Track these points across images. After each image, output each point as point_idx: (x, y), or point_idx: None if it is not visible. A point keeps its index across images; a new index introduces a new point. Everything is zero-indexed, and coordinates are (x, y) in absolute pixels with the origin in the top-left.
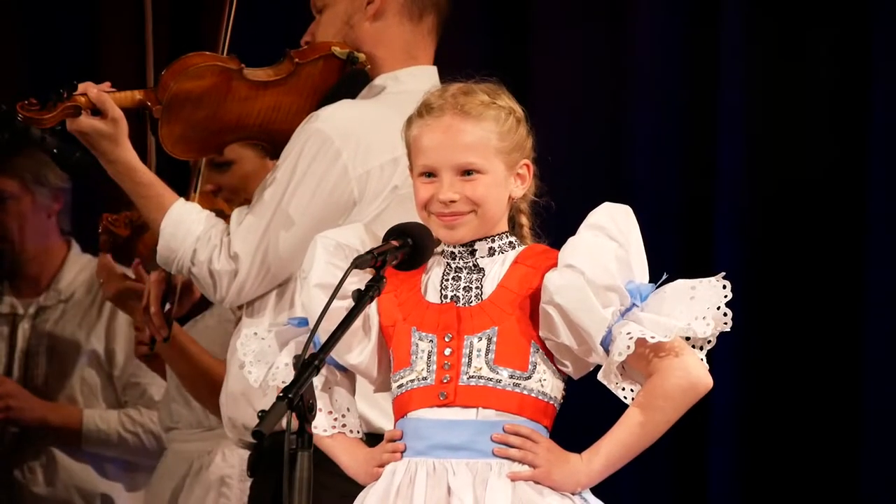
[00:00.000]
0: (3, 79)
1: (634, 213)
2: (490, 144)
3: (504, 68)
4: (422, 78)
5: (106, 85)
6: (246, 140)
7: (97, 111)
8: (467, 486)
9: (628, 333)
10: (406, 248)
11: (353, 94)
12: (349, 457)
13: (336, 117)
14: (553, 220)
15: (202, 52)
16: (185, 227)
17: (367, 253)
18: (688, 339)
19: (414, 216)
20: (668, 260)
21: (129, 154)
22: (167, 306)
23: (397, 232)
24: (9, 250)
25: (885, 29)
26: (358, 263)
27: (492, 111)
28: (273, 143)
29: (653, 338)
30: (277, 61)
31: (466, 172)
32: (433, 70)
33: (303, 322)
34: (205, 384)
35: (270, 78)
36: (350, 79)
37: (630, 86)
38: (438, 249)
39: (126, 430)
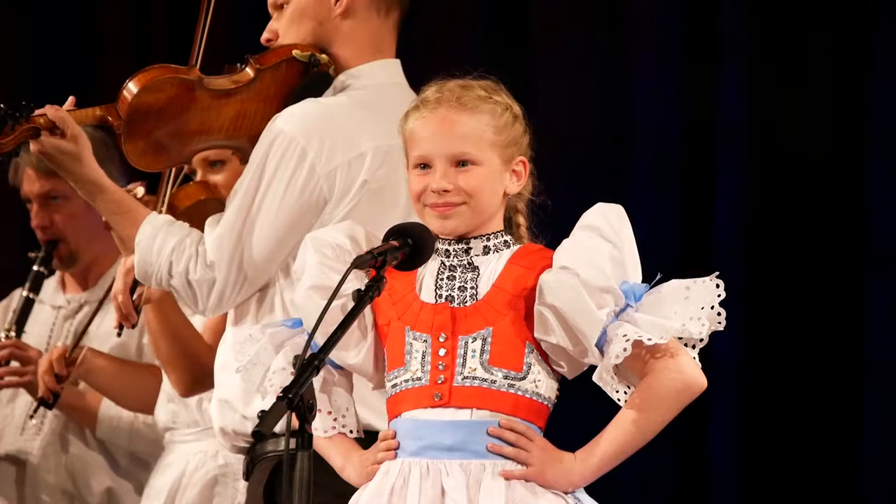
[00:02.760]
0: (4, 85)
1: (634, 213)
2: (485, 137)
3: (504, 67)
4: (384, 71)
5: (70, 102)
6: (214, 148)
7: (55, 130)
8: (461, 488)
9: (624, 335)
10: (406, 248)
11: (317, 96)
12: (343, 459)
13: (299, 117)
14: (552, 219)
15: (162, 64)
16: (159, 239)
17: (367, 253)
18: (680, 337)
19: (385, 210)
20: (668, 260)
21: (95, 172)
22: (137, 293)
23: (397, 232)
24: (64, 249)
25: (885, 28)
26: (358, 264)
27: (488, 105)
28: (242, 150)
29: (649, 339)
30: (238, 68)
31: (461, 163)
32: (396, 62)
33: (297, 323)
34: (174, 343)
35: (232, 86)
36: (313, 81)
37: (630, 86)
38: None
39: (142, 422)
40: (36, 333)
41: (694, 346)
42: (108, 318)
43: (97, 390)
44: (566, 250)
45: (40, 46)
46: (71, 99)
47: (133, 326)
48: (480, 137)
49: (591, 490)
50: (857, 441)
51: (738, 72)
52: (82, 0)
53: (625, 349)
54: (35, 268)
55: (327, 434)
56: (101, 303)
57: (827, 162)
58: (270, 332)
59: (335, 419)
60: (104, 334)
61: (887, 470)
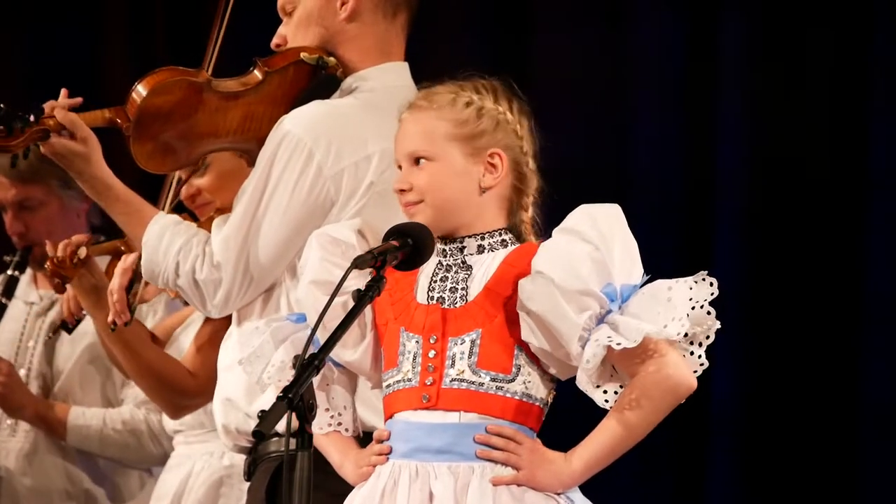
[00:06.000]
0: (5, 83)
1: (636, 210)
2: (439, 131)
3: (504, 67)
4: (391, 73)
5: (76, 101)
6: (222, 150)
7: (64, 131)
8: (449, 491)
9: (597, 341)
10: (406, 248)
11: (325, 98)
12: (341, 456)
13: (306, 118)
14: (553, 218)
15: (171, 66)
16: (166, 239)
17: (368, 253)
18: (686, 335)
19: (392, 212)
20: (668, 257)
21: (104, 172)
22: (132, 291)
23: (397, 232)
24: (38, 251)
25: (886, 29)
26: (358, 264)
27: (447, 99)
28: (250, 152)
29: (619, 345)
30: (246, 71)
31: (417, 161)
32: (404, 65)
33: (301, 318)
34: (151, 378)
35: (240, 88)
36: (322, 83)
37: (631, 84)
38: None
39: (111, 428)
40: (8, 329)
41: (700, 344)
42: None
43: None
44: (542, 255)
45: (40, 47)
46: (77, 100)
47: (126, 324)
48: (433, 132)
49: (591, 489)
50: (855, 441)
51: (739, 77)
52: (82, 1)
53: (595, 354)
54: (9, 272)
55: (323, 431)
56: None
57: (828, 175)
58: (274, 326)
59: (332, 416)
60: (82, 328)
61: (888, 468)
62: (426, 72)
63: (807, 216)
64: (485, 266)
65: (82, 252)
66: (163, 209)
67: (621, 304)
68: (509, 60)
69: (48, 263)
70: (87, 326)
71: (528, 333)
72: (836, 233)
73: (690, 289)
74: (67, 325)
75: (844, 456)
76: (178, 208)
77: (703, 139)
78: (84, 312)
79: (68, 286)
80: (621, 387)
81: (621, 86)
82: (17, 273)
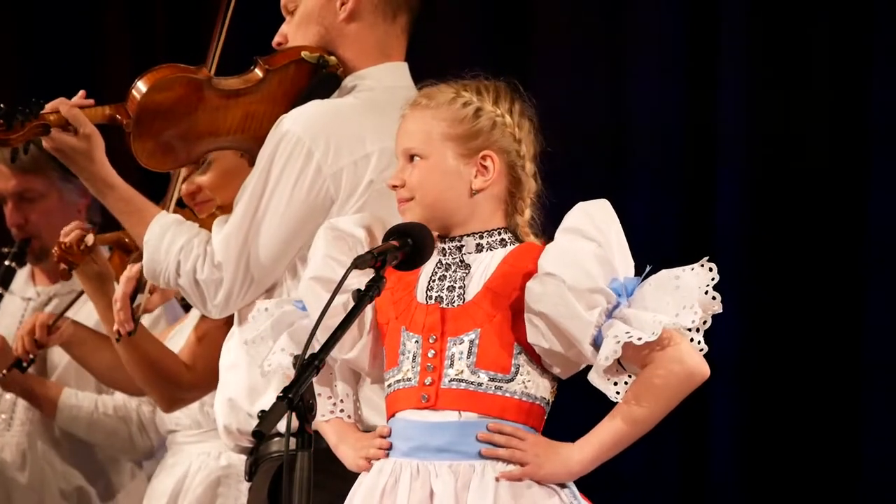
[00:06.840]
0: (6, 83)
1: (634, 213)
2: (435, 130)
3: (504, 65)
4: (391, 74)
5: (80, 96)
6: (222, 149)
7: (68, 127)
8: (449, 489)
9: (615, 337)
10: (406, 247)
11: (325, 97)
12: (338, 438)
13: (305, 118)
14: (552, 219)
15: (171, 63)
16: (167, 238)
17: (367, 253)
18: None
19: (392, 210)
20: (669, 250)
21: (105, 170)
22: (136, 302)
23: (397, 232)
24: (37, 244)
25: (886, 29)
26: (357, 264)
27: (446, 98)
28: (251, 151)
29: (640, 339)
30: (247, 69)
31: (412, 158)
32: (403, 66)
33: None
34: (147, 369)
35: (241, 86)
36: (322, 82)
37: (631, 80)
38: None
39: (101, 412)
40: (5, 324)
41: (698, 330)
42: (84, 309)
43: (79, 363)
44: (550, 256)
45: (41, 47)
46: (90, 101)
47: (130, 334)
48: (429, 131)
49: (592, 489)
50: (857, 439)
51: (738, 72)
52: (82, 1)
53: (615, 351)
54: (6, 263)
55: (325, 418)
56: (82, 292)
57: (827, 162)
58: (280, 313)
59: (334, 403)
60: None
61: (888, 465)
62: (426, 72)
63: (808, 167)
64: (483, 265)
65: (89, 239)
66: (167, 207)
67: (628, 298)
68: (510, 49)
69: (55, 248)
70: (83, 320)
71: (537, 336)
72: (838, 183)
73: (697, 276)
74: (21, 362)
75: (847, 400)
76: (178, 205)
77: (703, 134)
78: (39, 351)
79: (74, 272)
80: (630, 376)
81: (621, 82)
82: (14, 264)
